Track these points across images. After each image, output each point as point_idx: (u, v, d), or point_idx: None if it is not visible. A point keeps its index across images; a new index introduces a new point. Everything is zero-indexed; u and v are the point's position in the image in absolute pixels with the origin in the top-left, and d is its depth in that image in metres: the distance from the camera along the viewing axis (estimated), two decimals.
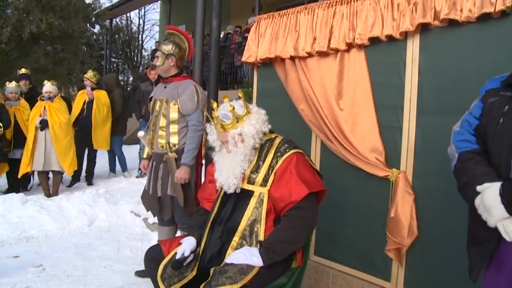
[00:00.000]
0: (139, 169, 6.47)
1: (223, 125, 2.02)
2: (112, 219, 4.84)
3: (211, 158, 2.26)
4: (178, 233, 3.35)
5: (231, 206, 2.03)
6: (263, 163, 2.02)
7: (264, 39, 3.17)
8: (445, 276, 2.29)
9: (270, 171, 1.99)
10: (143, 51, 23.17)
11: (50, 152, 5.57)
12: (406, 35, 2.43)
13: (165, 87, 3.19)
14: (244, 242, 1.94)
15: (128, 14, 20.96)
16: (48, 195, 5.54)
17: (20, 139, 5.72)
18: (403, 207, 2.39)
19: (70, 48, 11.19)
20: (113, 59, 20.22)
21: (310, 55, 2.86)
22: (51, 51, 11.08)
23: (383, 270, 2.58)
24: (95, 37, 15.76)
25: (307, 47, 2.83)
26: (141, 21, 23.49)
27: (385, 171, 2.49)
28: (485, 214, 1.42)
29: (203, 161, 3.50)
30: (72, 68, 11.57)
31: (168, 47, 3.15)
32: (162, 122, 3.12)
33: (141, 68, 20.71)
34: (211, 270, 1.83)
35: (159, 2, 16.27)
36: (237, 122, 2.02)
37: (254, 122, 2.02)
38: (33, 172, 5.84)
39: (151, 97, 3.34)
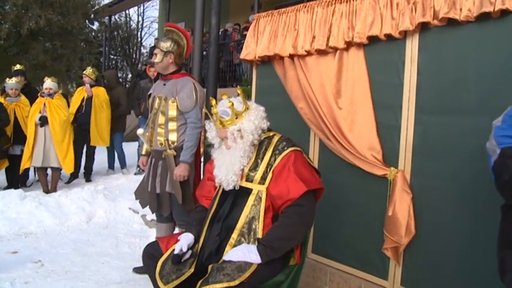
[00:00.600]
0: (138, 166, 6.51)
1: (223, 121, 2.03)
2: (110, 215, 4.84)
3: (209, 156, 2.26)
4: (177, 230, 3.36)
5: (230, 204, 2.04)
6: (261, 161, 2.03)
7: (263, 37, 3.16)
8: (442, 274, 2.30)
9: (268, 169, 2.00)
10: (142, 48, 23.18)
11: (49, 148, 5.55)
12: (405, 34, 2.43)
13: (164, 85, 3.19)
14: (242, 240, 1.95)
15: (127, 11, 20.95)
16: (47, 191, 5.54)
17: (19, 135, 5.70)
18: (401, 206, 2.40)
19: (69, 45, 11.15)
20: (112, 56, 20.17)
21: (309, 53, 2.86)
22: (50, 48, 11.05)
23: (380, 268, 2.59)
24: (93, 34, 15.70)
25: (306, 45, 2.83)
26: (140, 19, 23.55)
27: (383, 170, 2.50)
28: None
29: (201, 159, 3.50)
30: (71, 65, 11.55)
31: (166, 44, 3.15)
32: (161, 119, 3.12)
33: (139, 65, 20.66)
34: (209, 267, 1.84)
35: None
36: (236, 118, 2.02)
37: (253, 118, 2.03)
38: (29, 168, 5.83)
39: (150, 94, 3.35)
